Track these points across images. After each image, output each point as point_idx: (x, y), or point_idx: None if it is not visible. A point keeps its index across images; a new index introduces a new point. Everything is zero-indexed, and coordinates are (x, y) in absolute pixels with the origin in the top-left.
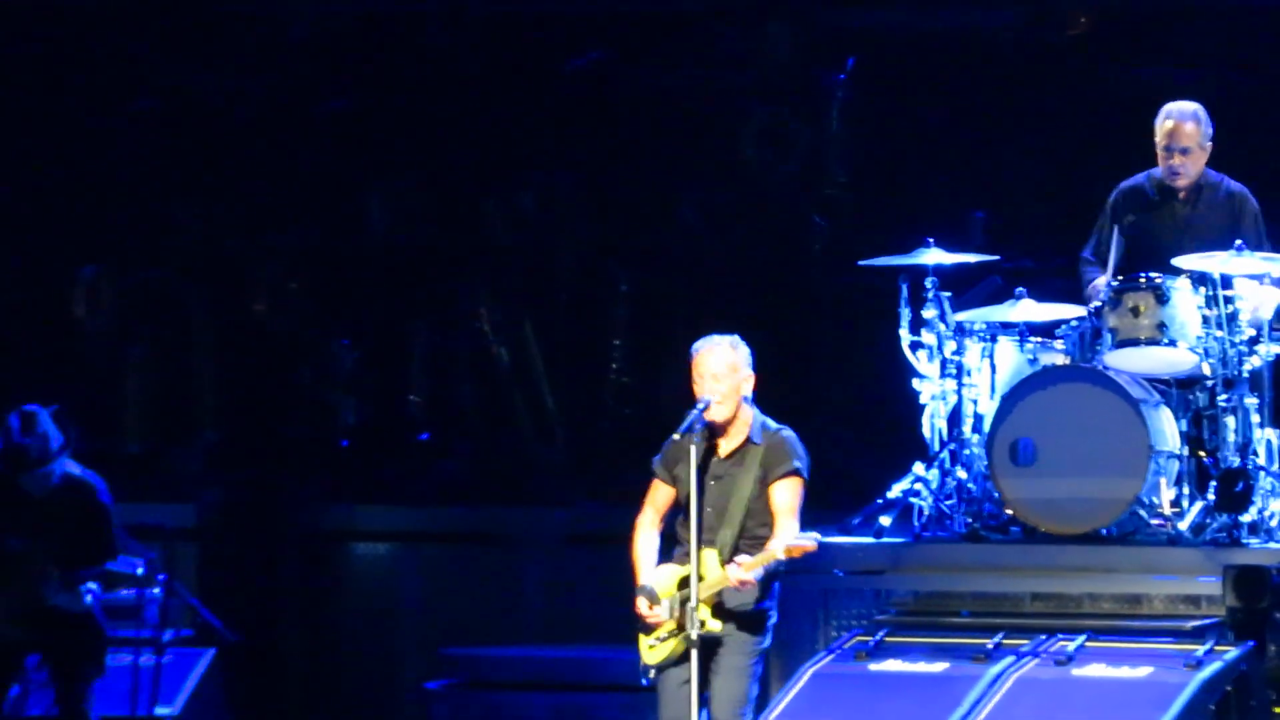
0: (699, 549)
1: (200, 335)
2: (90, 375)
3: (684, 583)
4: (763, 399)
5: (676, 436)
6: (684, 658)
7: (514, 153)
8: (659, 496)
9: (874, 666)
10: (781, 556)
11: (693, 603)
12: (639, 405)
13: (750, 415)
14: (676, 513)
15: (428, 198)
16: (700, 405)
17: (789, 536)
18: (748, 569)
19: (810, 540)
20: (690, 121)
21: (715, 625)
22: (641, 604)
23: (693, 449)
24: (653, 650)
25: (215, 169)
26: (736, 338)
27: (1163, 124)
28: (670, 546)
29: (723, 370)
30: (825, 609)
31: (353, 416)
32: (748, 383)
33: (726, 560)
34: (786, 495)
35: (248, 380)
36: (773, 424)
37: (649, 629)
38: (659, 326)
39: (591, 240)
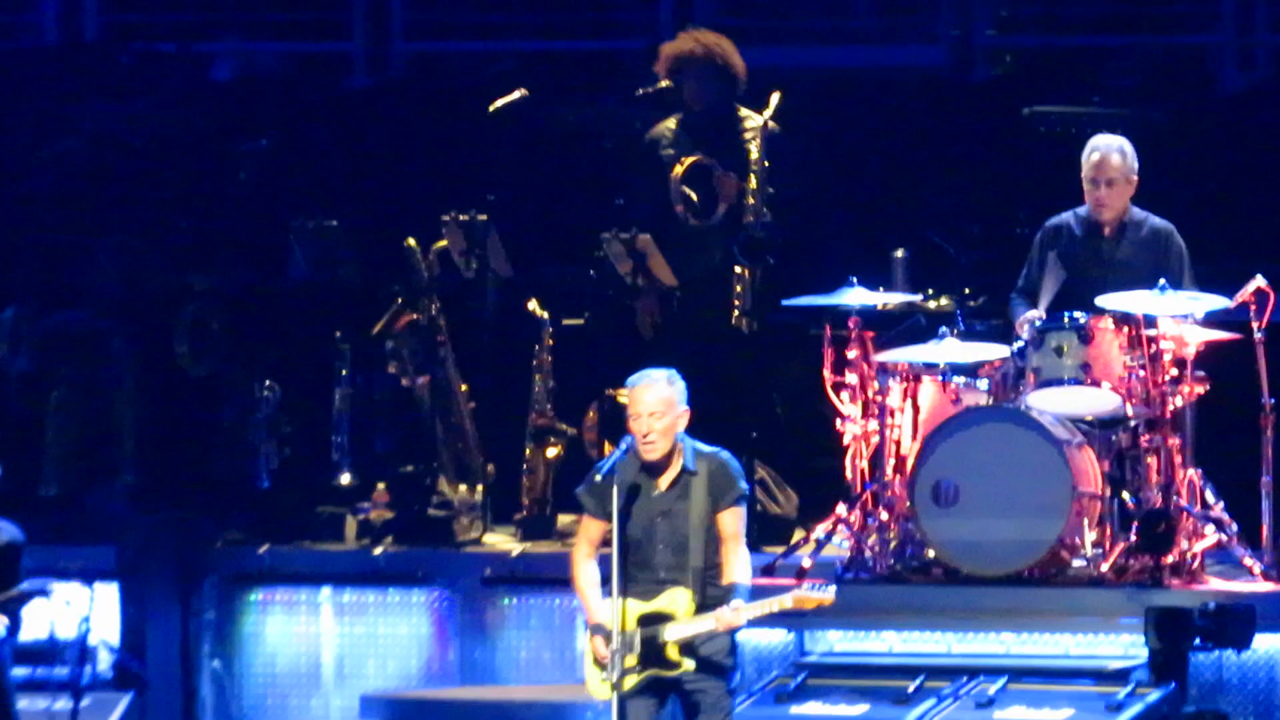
0: (623, 592)
1: (121, 377)
2: (9, 418)
3: (647, 619)
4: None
5: (598, 479)
6: (643, 692)
7: (437, 192)
8: (592, 530)
9: (795, 709)
10: (790, 606)
11: (617, 647)
12: (564, 446)
13: (684, 446)
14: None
15: (350, 238)
16: (625, 446)
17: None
18: (744, 615)
19: (828, 594)
20: (613, 161)
21: (690, 664)
22: (599, 643)
23: (615, 489)
24: (606, 684)
25: (137, 209)
26: (673, 372)
27: (1089, 157)
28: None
29: (659, 407)
30: (746, 652)
31: (274, 458)
32: (683, 419)
33: (700, 598)
34: (736, 522)
35: (168, 421)
36: (705, 447)
37: (603, 664)
38: (584, 366)
39: (515, 280)
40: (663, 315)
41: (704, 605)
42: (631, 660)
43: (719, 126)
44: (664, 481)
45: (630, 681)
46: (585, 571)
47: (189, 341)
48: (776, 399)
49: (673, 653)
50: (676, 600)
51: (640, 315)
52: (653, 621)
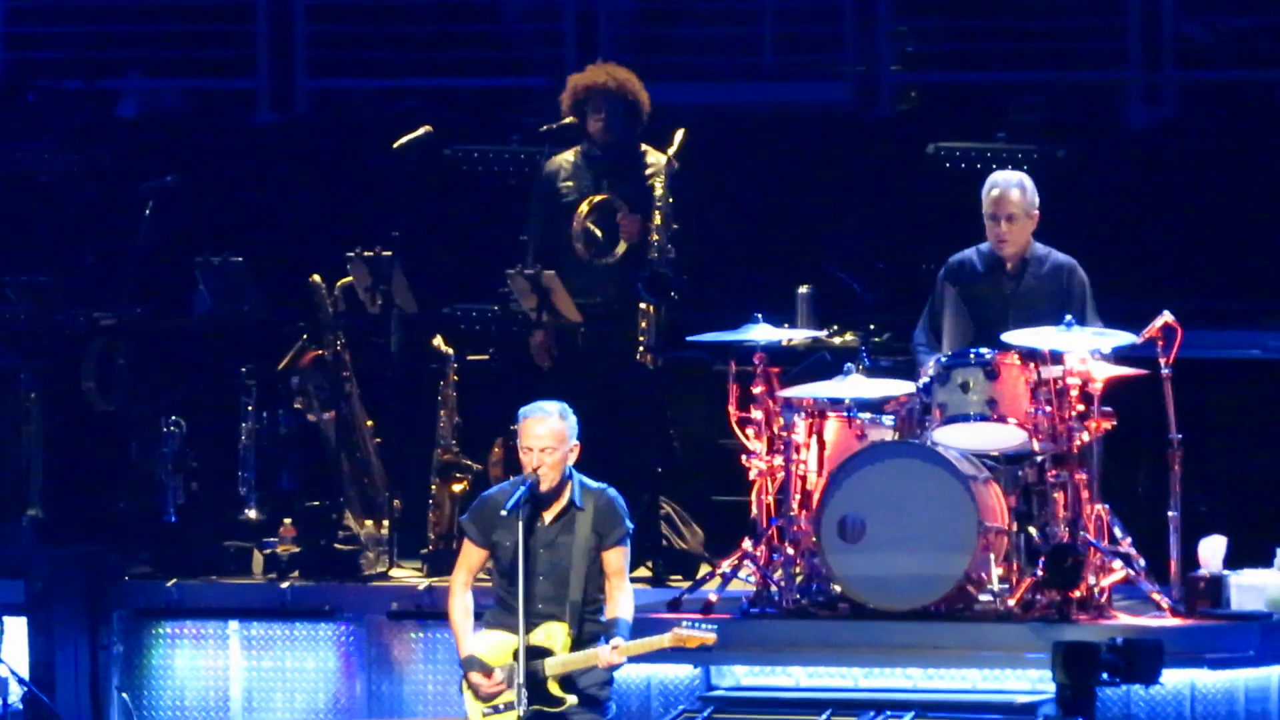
0: (529, 626)
1: (28, 412)
2: None
3: (527, 652)
4: (592, 475)
5: (504, 514)
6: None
7: (342, 229)
8: (472, 557)
9: None
10: (669, 645)
11: (521, 680)
12: (469, 481)
13: (572, 480)
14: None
15: (255, 274)
16: (528, 482)
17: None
18: (623, 653)
19: (709, 633)
20: (518, 198)
21: (572, 699)
22: (475, 676)
23: (520, 523)
24: (494, 719)
25: (43, 246)
26: (565, 406)
27: (989, 193)
28: (497, 612)
29: (552, 441)
30: (652, 686)
31: (181, 493)
32: (574, 453)
33: (576, 632)
34: (621, 559)
35: (76, 457)
36: (592, 484)
37: (485, 698)
38: (489, 402)
39: (420, 316)
40: (567, 351)
41: (579, 640)
42: (510, 696)
43: (620, 161)
44: (549, 515)
45: (512, 717)
46: (460, 601)
47: (96, 377)
48: (677, 434)
49: (554, 688)
50: (553, 634)
51: (534, 347)
52: (531, 656)
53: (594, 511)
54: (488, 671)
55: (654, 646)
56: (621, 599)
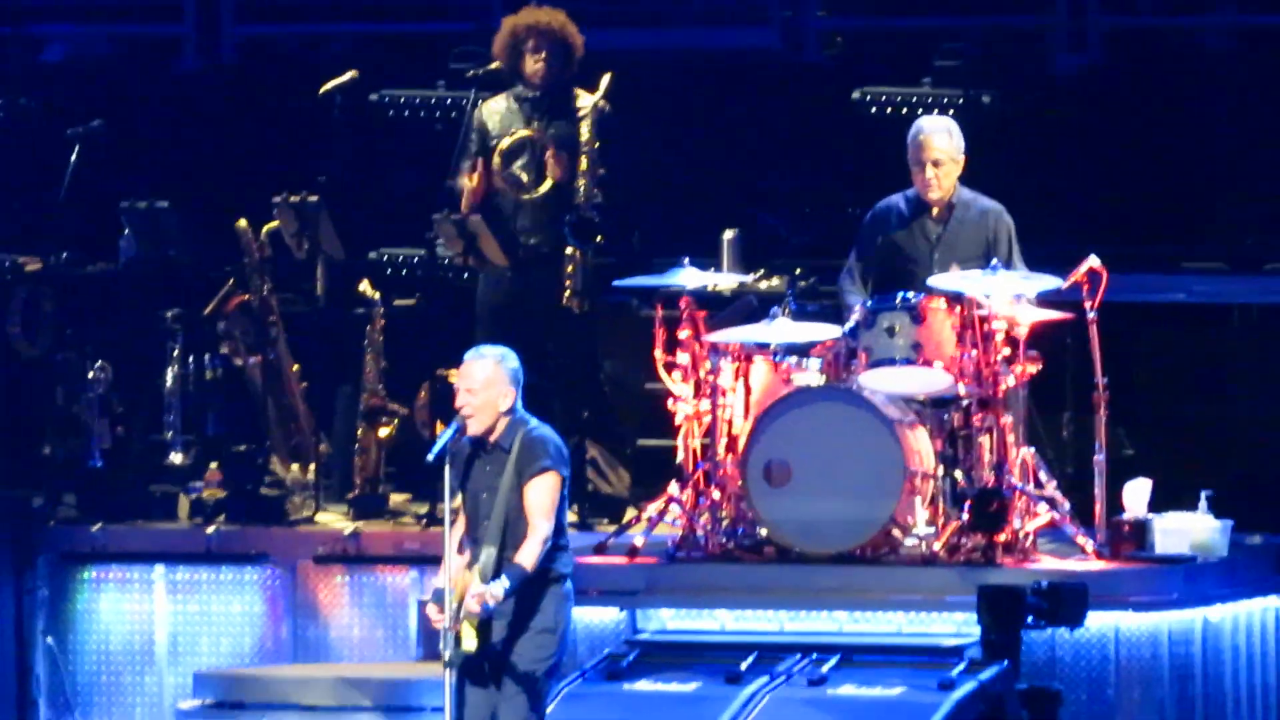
0: (455, 567)
1: None
2: None
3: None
4: None
5: (430, 459)
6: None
7: (269, 173)
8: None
9: (627, 686)
10: (489, 602)
11: (447, 624)
12: (395, 426)
13: (505, 423)
14: None
15: (182, 220)
16: (454, 425)
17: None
18: (478, 601)
19: (497, 591)
20: (445, 143)
21: (471, 645)
22: (431, 609)
23: (447, 466)
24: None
25: None
26: (506, 350)
27: (914, 138)
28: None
29: (478, 384)
30: (577, 630)
31: (107, 437)
32: (506, 398)
33: (489, 577)
34: (538, 494)
35: (1, 402)
36: (532, 422)
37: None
38: (415, 347)
39: (347, 260)
40: (493, 296)
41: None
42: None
43: (552, 105)
44: (485, 458)
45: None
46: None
47: (21, 323)
48: (604, 379)
49: (465, 630)
50: (470, 577)
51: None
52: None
53: (518, 450)
54: (439, 603)
55: (487, 600)
56: (527, 542)
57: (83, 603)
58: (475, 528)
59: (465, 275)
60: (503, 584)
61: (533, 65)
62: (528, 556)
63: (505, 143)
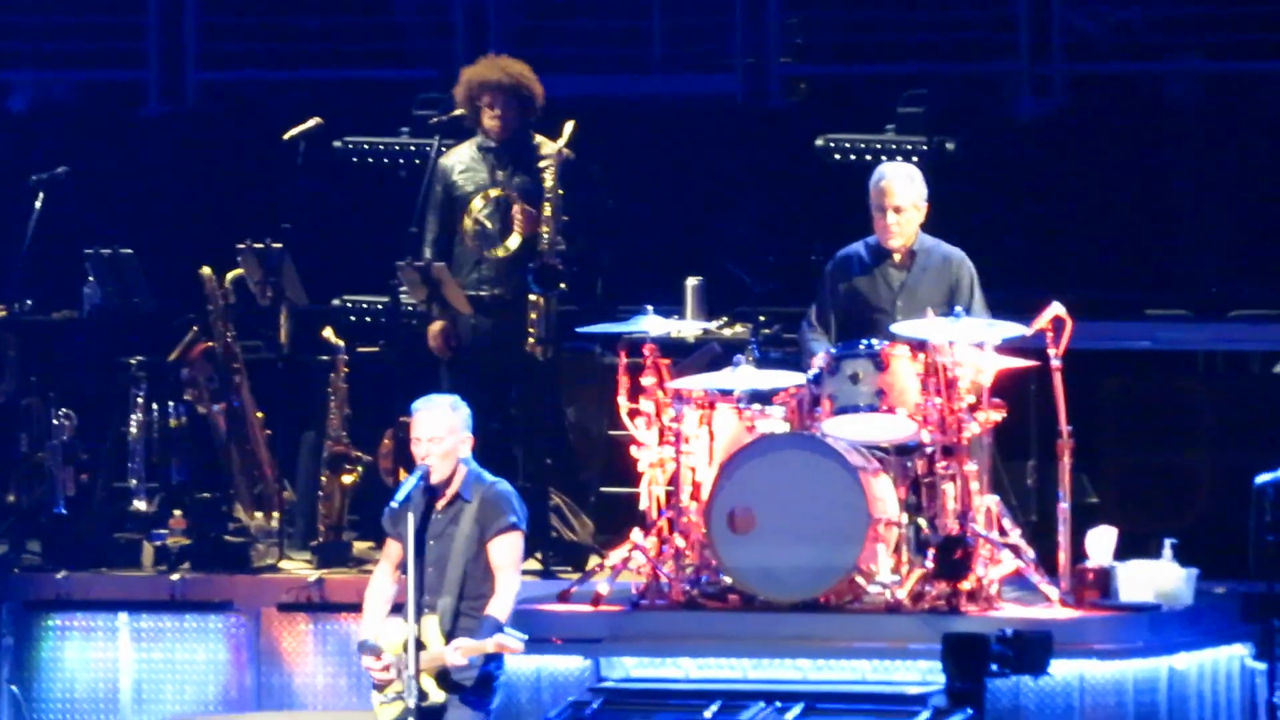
0: (419, 615)
1: None
2: None
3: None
4: (481, 466)
5: (394, 505)
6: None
7: (232, 220)
8: (391, 551)
9: None
10: (491, 650)
11: (410, 671)
12: (359, 473)
13: (464, 472)
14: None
15: (145, 266)
16: (419, 473)
17: (503, 628)
18: (464, 654)
19: (517, 643)
20: (408, 190)
21: (438, 696)
22: (368, 660)
23: (410, 515)
24: (384, 708)
25: None
26: (456, 398)
27: (876, 184)
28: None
29: (440, 432)
30: (542, 677)
31: (71, 484)
32: (465, 444)
33: (448, 627)
34: (505, 551)
35: None
36: (488, 477)
37: (377, 685)
38: (379, 394)
39: (311, 307)
40: (457, 342)
41: (453, 634)
42: (399, 686)
43: (515, 153)
44: (440, 505)
45: (398, 709)
46: (373, 584)
47: None
48: (567, 426)
49: (425, 682)
50: (428, 628)
51: (433, 337)
52: (418, 648)
53: (479, 503)
54: (378, 654)
55: (483, 649)
56: (496, 596)
57: (47, 650)
58: (416, 573)
59: (429, 322)
60: (469, 641)
61: (489, 120)
62: (501, 609)
63: (475, 205)
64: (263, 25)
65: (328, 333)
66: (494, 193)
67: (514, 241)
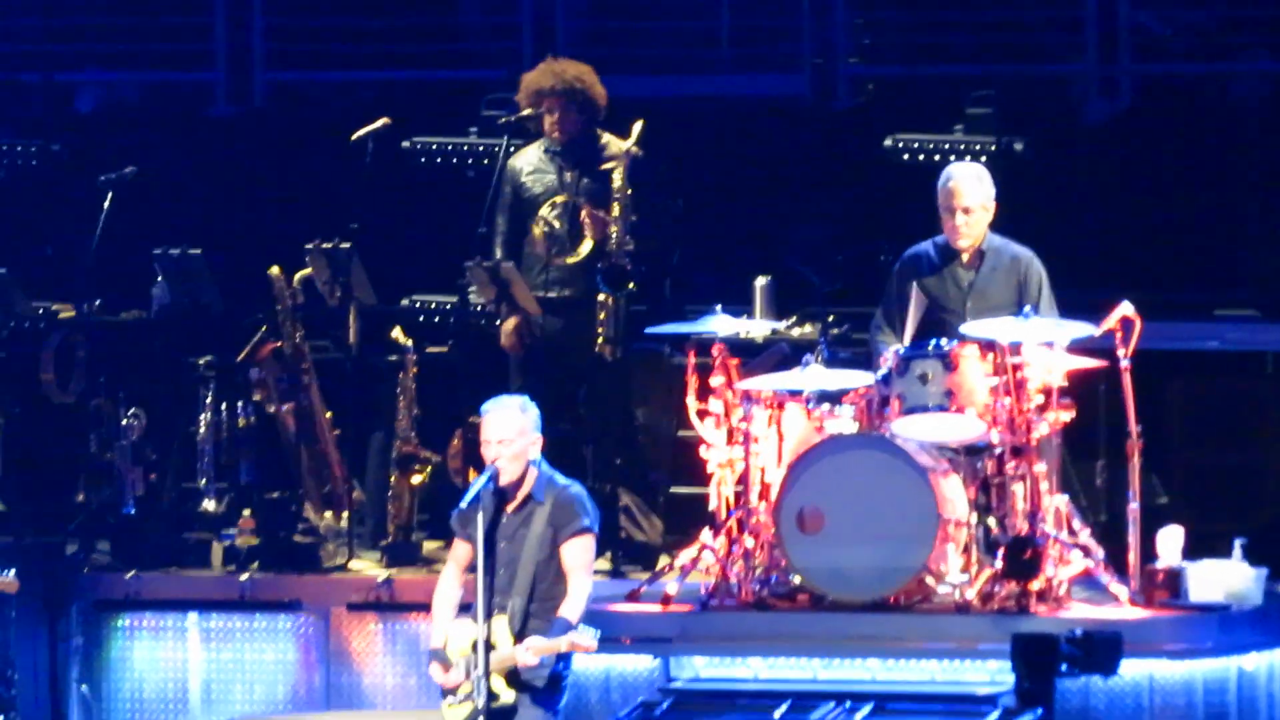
0: (488, 616)
1: None
2: None
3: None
4: (551, 467)
5: (463, 506)
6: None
7: (301, 220)
8: (459, 552)
9: None
10: (564, 650)
11: (480, 671)
12: (428, 473)
13: (535, 474)
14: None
15: (214, 267)
16: (488, 473)
17: (576, 627)
18: (536, 653)
19: (591, 640)
20: (476, 190)
21: (508, 697)
22: (435, 670)
23: (480, 515)
24: (453, 709)
25: (2, 238)
26: (525, 399)
27: (945, 185)
28: (469, 605)
29: (510, 434)
30: (611, 678)
31: (140, 485)
32: (535, 446)
33: (518, 628)
34: (578, 554)
35: (35, 449)
36: (560, 479)
37: (445, 692)
38: (448, 394)
39: (380, 307)
40: (530, 340)
41: (522, 635)
42: (468, 687)
43: (582, 155)
44: (511, 508)
45: (467, 709)
46: (441, 588)
47: (54, 369)
48: (636, 426)
49: (495, 683)
50: (497, 629)
51: (506, 334)
52: (487, 649)
53: (552, 505)
54: (446, 665)
55: (556, 648)
56: (569, 598)
57: (117, 650)
58: (486, 574)
59: (498, 322)
60: (540, 640)
61: (551, 123)
62: (574, 611)
63: (545, 211)
64: (330, 26)
65: (396, 333)
66: (562, 198)
67: (585, 248)
